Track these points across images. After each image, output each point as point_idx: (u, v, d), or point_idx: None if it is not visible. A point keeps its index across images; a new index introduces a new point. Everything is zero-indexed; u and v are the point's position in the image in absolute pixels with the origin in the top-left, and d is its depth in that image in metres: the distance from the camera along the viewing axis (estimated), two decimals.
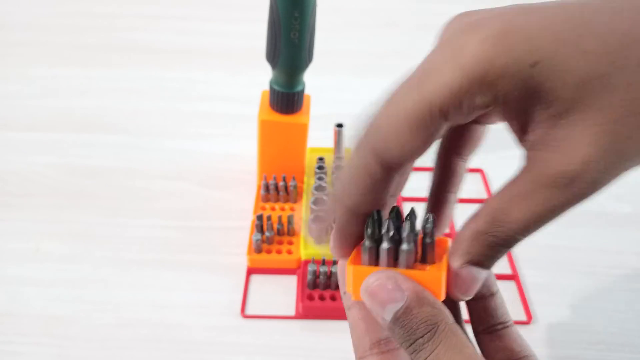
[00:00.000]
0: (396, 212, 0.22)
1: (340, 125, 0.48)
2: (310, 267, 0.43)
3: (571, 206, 0.19)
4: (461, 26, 0.19)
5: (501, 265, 0.49)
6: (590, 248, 0.50)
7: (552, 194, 0.18)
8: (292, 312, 0.44)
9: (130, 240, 0.50)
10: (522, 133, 0.20)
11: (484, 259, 0.20)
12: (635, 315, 0.45)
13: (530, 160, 0.19)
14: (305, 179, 0.53)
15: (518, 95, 0.18)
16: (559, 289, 0.47)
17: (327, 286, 0.44)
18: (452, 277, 0.21)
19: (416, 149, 0.19)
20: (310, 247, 0.46)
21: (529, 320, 0.44)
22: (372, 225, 0.21)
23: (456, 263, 0.20)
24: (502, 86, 0.17)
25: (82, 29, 0.84)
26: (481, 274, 0.21)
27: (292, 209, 0.51)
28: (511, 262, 0.49)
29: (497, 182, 0.58)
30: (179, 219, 0.52)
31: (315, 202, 0.47)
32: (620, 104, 0.17)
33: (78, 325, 0.43)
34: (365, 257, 0.22)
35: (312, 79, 0.48)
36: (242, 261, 0.48)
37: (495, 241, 0.20)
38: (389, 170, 0.20)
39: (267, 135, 0.49)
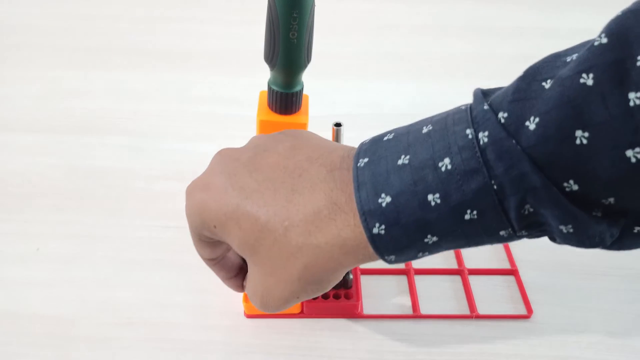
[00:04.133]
0: None
1: (338, 125, 0.48)
2: None
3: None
4: (197, 185, 0.32)
5: (501, 263, 0.49)
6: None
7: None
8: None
9: (130, 240, 0.50)
10: None
11: None
12: (635, 315, 0.45)
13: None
14: None
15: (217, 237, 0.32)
16: (559, 289, 0.47)
17: None
18: None
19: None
20: None
21: (529, 314, 0.44)
22: None
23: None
24: (205, 231, 0.31)
25: (82, 31, 0.85)
26: None
27: None
28: (510, 258, 0.49)
29: None
30: (179, 219, 0.52)
31: None
32: (264, 258, 0.29)
33: (78, 325, 0.43)
34: None
35: (310, 80, 0.49)
36: None
37: None
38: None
39: None
